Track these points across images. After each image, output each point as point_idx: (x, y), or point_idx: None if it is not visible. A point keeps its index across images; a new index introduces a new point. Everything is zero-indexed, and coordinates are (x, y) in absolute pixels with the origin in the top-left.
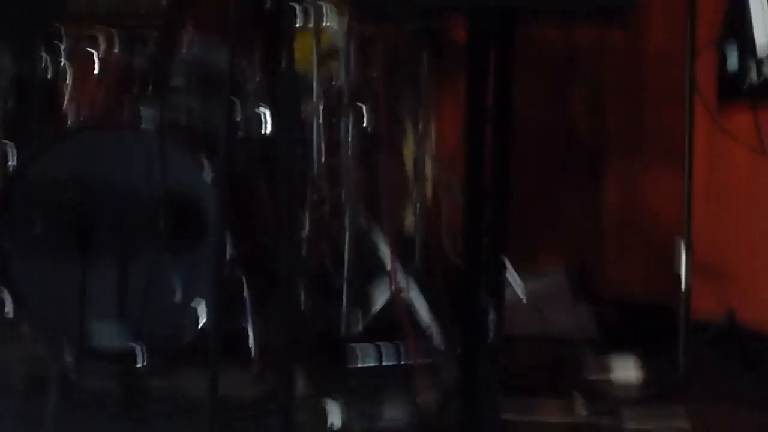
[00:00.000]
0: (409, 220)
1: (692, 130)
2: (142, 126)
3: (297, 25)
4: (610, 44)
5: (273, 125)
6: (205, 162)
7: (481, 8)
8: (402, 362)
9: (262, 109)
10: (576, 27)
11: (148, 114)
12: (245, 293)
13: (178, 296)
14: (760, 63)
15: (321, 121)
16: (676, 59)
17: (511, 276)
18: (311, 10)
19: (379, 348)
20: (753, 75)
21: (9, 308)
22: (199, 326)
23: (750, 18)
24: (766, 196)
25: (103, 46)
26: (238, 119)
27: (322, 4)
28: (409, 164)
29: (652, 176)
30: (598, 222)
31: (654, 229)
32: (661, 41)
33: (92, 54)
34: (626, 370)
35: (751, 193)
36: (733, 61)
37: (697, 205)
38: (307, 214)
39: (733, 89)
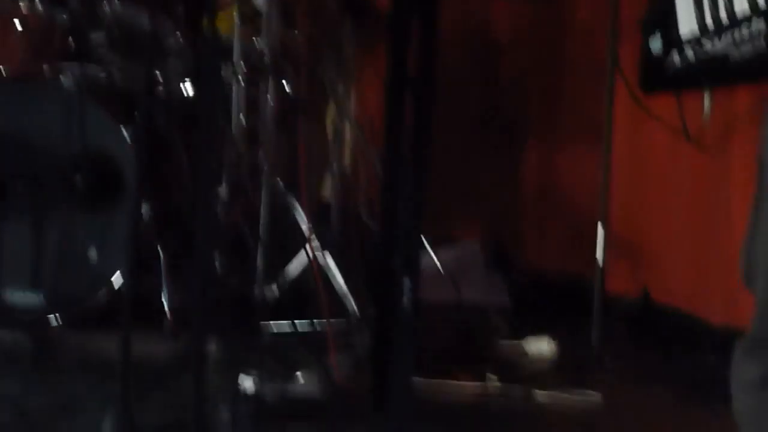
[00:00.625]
0: (327, 186)
1: (614, 109)
2: (62, 82)
3: None
4: (533, 17)
5: (193, 86)
6: (124, 120)
7: None
8: (316, 329)
9: (181, 72)
10: None
11: (68, 70)
12: (160, 254)
13: (93, 256)
14: (682, 47)
15: (242, 83)
16: (600, 36)
17: (427, 244)
18: None
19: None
20: (676, 59)
21: None
22: (114, 287)
23: (674, 0)
24: (683, 179)
25: (24, 2)
26: (158, 78)
27: None
28: (329, 129)
29: (573, 153)
30: (517, 196)
31: (572, 206)
32: (585, 17)
33: (14, 9)
34: (540, 348)
35: (669, 176)
36: (656, 44)
37: (617, 184)
38: (224, 176)
39: (656, 71)
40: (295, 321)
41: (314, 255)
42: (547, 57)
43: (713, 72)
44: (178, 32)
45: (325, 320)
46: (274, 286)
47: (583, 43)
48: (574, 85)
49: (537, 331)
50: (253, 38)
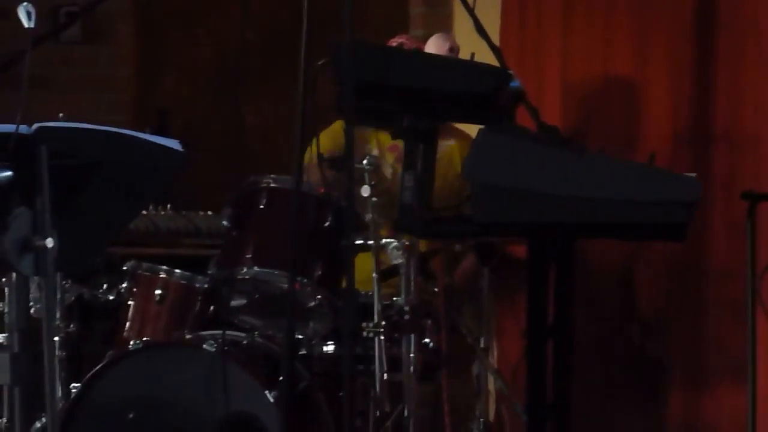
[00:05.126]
0: None
1: (757, 349)
2: (204, 346)
3: (357, 242)
4: (669, 257)
5: (335, 345)
6: (267, 382)
7: (540, 228)
8: None
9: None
10: (634, 239)
11: (210, 335)
12: None
13: None
14: None
15: (382, 337)
16: (738, 276)
17: None
18: (371, 229)
19: None
20: None
21: None
22: None
23: None
24: None
25: (164, 268)
26: (299, 337)
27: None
28: (472, 382)
29: (715, 394)
30: None
31: None
32: (722, 255)
33: (153, 275)
34: None
35: None
36: None
37: (763, 424)
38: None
39: None
40: None
41: None
42: (686, 296)
43: None
44: (317, 294)
45: None
46: None
47: (721, 282)
48: (716, 325)
49: None
50: (393, 298)
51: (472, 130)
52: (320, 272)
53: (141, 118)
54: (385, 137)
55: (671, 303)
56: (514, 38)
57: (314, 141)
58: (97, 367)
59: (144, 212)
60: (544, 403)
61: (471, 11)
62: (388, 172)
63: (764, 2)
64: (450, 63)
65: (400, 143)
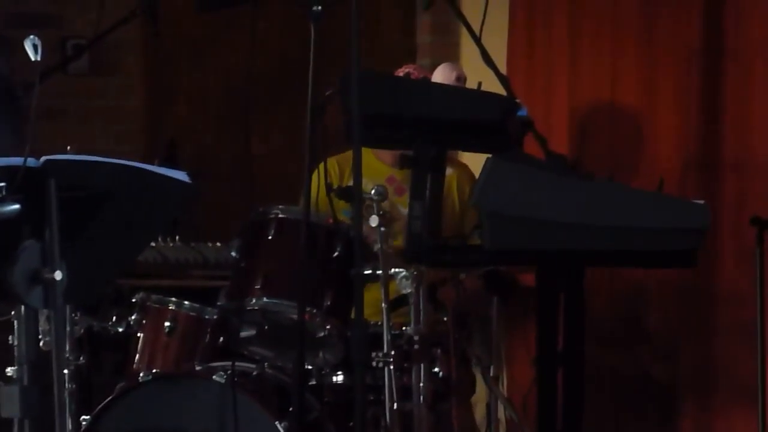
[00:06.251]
0: None
1: (765, 372)
2: (214, 377)
3: (366, 272)
4: (679, 282)
5: (345, 375)
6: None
7: (550, 255)
8: None
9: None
10: (644, 266)
11: (220, 366)
12: None
13: None
14: None
15: (392, 367)
16: (748, 300)
17: None
18: (380, 259)
19: None
20: None
21: None
22: None
23: None
24: None
25: (173, 299)
26: (309, 367)
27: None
28: (481, 409)
29: (726, 418)
30: None
31: None
32: (731, 280)
33: (163, 307)
34: None
35: None
36: None
37: None
38: None
39: None
40: None
41: None
42: (696, 321)
43: None
44: (326, 324)
45: None
46: None
47: (730, 307)
48: (726, 349)
49: None
50: (403, 328)
51: (468, 159)
52: (330, 302)
53: (151, 148)
54: (383, 168)
55: (681, 328)
56: (521, 66)
57: (321, 170)
58: (107, 399)
59: (153, 244)
60: (555, 430)
61: (478, 41)
62: (386, 205)
63: None
64: (457, 92)
65: (397, 175)
